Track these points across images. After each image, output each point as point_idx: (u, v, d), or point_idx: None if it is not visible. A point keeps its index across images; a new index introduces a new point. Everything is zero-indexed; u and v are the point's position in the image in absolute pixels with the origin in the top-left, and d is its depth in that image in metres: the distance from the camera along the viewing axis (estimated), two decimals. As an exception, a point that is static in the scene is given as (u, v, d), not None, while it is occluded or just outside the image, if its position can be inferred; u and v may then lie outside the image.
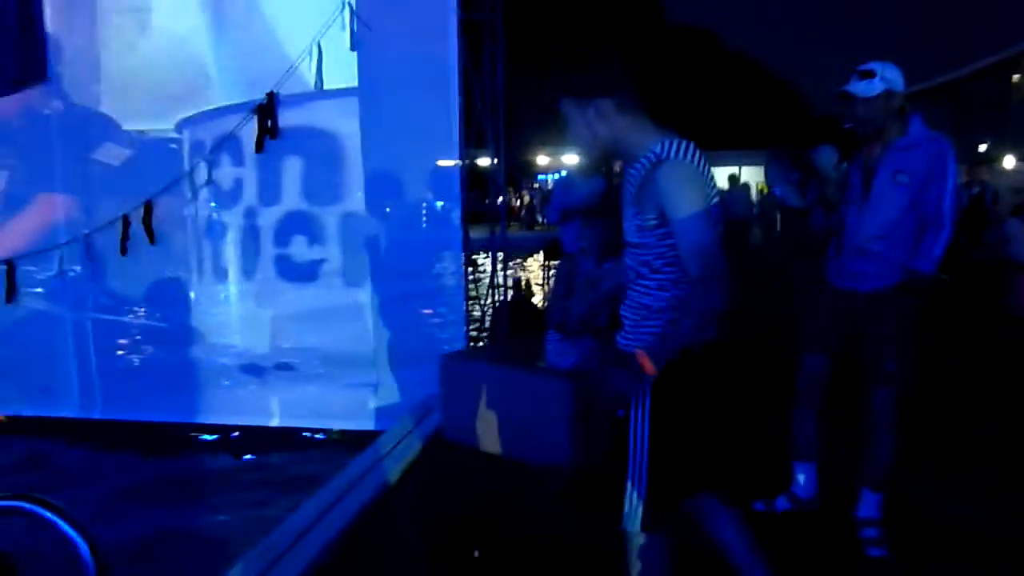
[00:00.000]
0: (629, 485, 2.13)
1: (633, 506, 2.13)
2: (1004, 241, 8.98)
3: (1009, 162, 20.45)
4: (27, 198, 5.61)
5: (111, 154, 5.53)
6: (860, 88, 2.97)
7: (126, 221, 5.42)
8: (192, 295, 5.64)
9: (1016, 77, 21.01)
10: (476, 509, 3.52)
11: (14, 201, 5.62)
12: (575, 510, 3.45)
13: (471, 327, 5.72)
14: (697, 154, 2.05)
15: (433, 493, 3.77)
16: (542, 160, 31.75)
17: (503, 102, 5.81)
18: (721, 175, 16.85)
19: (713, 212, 2.04)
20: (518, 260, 13.51)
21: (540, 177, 31.50)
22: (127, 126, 5.57)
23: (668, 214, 2.01)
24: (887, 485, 3.11)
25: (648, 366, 1.99)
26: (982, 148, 22.01)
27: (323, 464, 4.93)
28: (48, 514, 2.05)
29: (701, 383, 2.13)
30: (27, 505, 2.07)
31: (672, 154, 2.03)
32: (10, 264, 5.58)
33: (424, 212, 5.27)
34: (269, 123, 5.19)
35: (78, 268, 5.63)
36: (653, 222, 2.05)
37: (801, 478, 3.35)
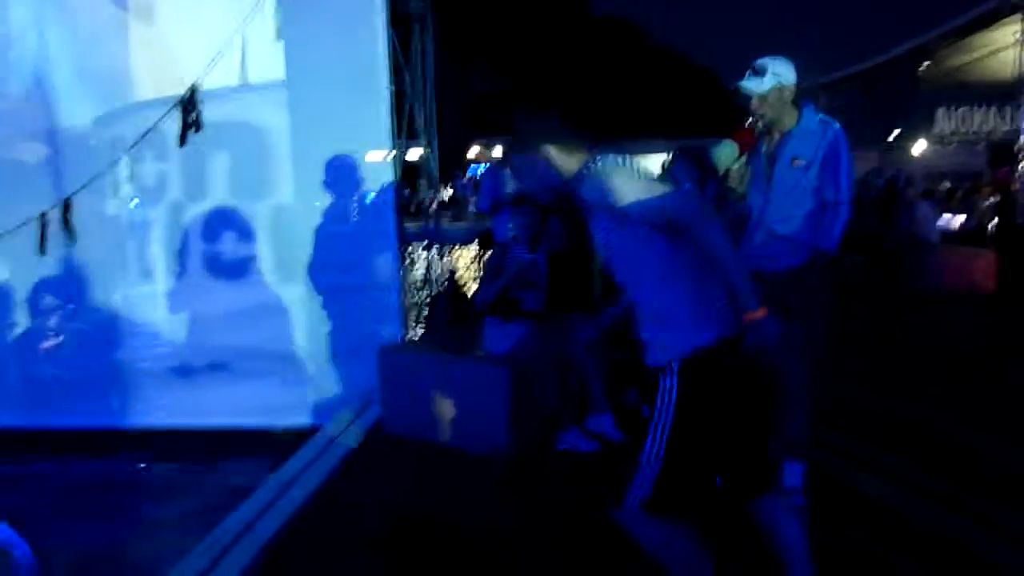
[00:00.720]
0: (638, 467, 2.13)
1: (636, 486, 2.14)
2: (915, 222, 9.48)
3: (920, 147, 21.42)
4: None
5: (26, 151, 5.31)
6: (753, 84, 3.20)
7: (44, 220, 5.22)
8: (117, 295, 5.46)
9: (924, 64, 22.05)
10: (415, 500, 3.56)
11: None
12: (513, 496, 3.52)
13: (408, 318, 5.72)
14: (619, 155, 2.14)
15: (373, 486, 3.78)
16: (473, 151, 31.66)
17: (434, 93, 5.82)
18: (655, 164, 17.09)
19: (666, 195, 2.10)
20: (455, 250, 13.52)
21: (472, 167, 31.37)
22: (44, 122, 5.33)
23: (625, 208, 2.06)
24: (806, 454, 3.28)
25: (758, 313, 2.01)
26: (895, 134, 22.98)
27: (259, 463, 4.89)
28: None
29: (725, 379, 2.15)
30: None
31: (595, 167, 2.13)
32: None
33: (356, 204, 5.22)
34: (193, 116, 5.07)
35: (-7, 271, 5.40)
36: (618, 226, 2.12)
37: None
